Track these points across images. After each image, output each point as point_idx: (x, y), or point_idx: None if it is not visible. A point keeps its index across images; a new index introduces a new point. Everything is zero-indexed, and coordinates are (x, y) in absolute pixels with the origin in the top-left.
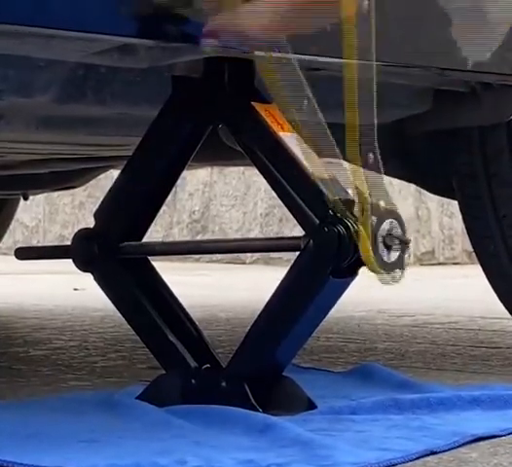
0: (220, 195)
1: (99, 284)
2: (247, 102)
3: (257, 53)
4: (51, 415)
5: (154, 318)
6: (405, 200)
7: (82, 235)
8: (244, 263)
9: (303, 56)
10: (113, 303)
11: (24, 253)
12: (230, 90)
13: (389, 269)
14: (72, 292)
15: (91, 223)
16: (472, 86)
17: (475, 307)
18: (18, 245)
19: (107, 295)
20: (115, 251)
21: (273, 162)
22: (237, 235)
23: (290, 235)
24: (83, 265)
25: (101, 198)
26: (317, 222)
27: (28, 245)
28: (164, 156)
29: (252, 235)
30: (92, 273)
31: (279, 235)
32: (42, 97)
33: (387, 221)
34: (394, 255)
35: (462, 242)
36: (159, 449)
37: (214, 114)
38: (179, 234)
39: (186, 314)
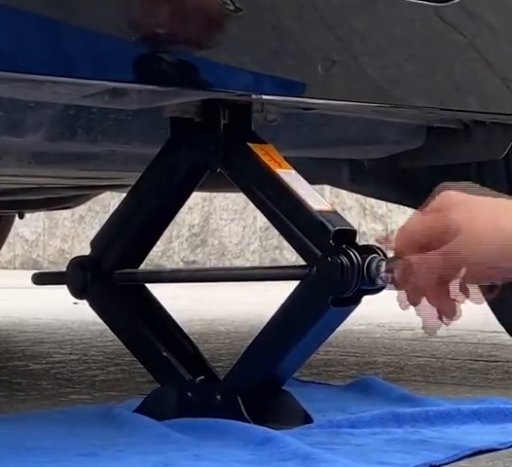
0: (219, 208)
1: (94, 310)
2: (244, 144)
3: (253, 96)
4: (50, 429)
5: (150, 340)
6: (403, 213)
7: (76, 263)
8: None
9: (293, 98)
10: (109, 327)
11: (41, 279)
12: (226, 133)
13: None
14: (72, 306)
15: (91, 236)
16: (465, 123)
17: (474, 321)
18: (18, 259)
19: (102, 320)
20: (108, 279)
21: (271, 198)
22: (237, 249)
23: (290, 263)
24: (77, 292)
25: (100, 212)
26: (319, 252)
27: (44, 270)
28: (163, 195)
29: (251, 249)
30: (87, 300)
31: (279, 249)
32: (33, 137)
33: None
34: None
35: None
36: (158, 462)
37: (212, 158)
38: (179, 248)
39: (180, 331)
